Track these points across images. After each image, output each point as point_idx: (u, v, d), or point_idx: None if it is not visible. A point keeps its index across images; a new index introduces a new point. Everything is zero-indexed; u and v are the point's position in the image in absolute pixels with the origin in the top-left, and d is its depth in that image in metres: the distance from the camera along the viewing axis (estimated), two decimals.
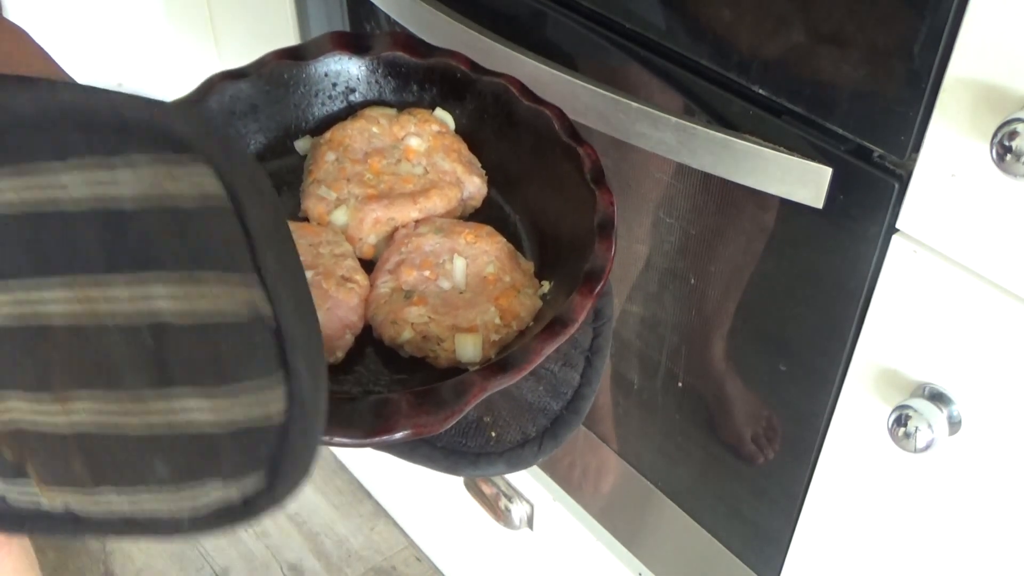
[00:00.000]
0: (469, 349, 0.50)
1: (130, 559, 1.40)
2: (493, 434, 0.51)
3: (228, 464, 0.35)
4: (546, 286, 0.54)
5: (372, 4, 0.83)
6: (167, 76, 1.46)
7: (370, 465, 1.47)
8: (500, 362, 0.46)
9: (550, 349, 0.47)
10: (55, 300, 0.34)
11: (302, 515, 1.47)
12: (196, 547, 1.42)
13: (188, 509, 0.36)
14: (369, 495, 1.50)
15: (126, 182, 0.33)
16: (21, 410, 0.35)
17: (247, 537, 1.44)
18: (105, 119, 0.33)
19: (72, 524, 0.37)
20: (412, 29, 0.79)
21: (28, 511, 0.37)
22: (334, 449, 1.54)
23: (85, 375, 0.35)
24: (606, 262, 0.50)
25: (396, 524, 1.46)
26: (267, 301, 0.34)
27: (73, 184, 0.34)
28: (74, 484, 0.36)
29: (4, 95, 0.33)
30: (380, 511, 1.48)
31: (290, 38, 1.11)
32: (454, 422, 0.45)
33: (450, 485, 1.21)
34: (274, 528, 1.45)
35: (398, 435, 0.44)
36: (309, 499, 1.49)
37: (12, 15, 1.23)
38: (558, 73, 0.68)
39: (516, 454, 0.50)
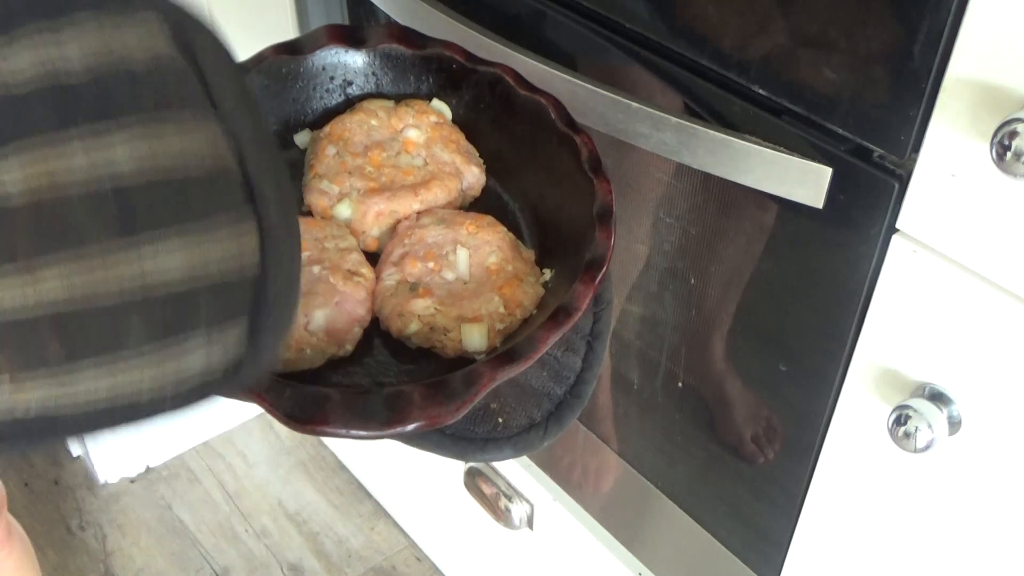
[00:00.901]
0: (475, 339, 0.51)
1: (130, 559, 1.40)
2: (500, 420, 0.51)
3: (208, 316, 0.34)
4: (547, 274, 0.55)
5: (372, 4, 0.83)
6: None
7: (370, 465, 1.47)
8: (507, 352, 0.47)
9: (555, 338, 0.48)
10: (11, 175, 0.32)
11: (302, 515, 1.47)
12: (196, 547, 1.42)
13: (171, 381, 0.34)
14: (369, 495, 1.50)
15: (72, 43, 0.32)
16: None
17: (247, 537, 1.44)
18: None
19: (48, 427, 0.34)
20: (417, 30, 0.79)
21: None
22: (335, 448, 1.54)
23: (51, 242, 0.33)
24: (607, 250, 0.51)
25: (396, 524, 1.46)
26: (227, 144, 0.33)
27: (16, 55, 0.32)
28: (48, 365, 0.34)
29: None
30: (380, 511, 1.48)
31: (290, 37, 1.11)
32: (465, 412, 0.46)
33: (450, 485, 1.21)
34: (274, 528, 1.45)
35: (411, 427, 0.45)
36: (309, 499, 1.49)
37: None
38: (558, 73, 0.68)
39: (523, 439, 0.52)
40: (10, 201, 0.32)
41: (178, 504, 1.48)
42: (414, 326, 0.51)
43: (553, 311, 0.49)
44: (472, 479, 1.15)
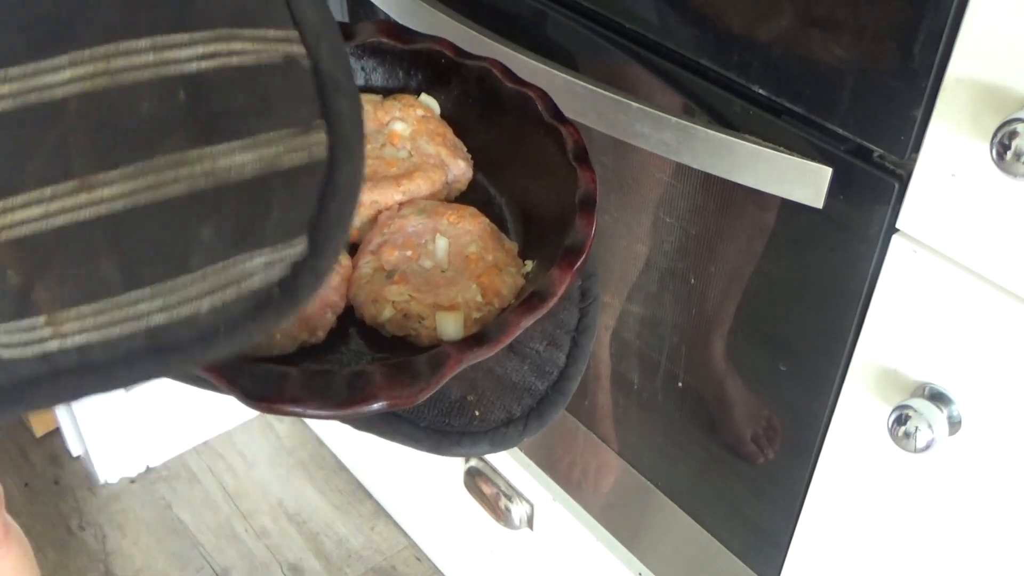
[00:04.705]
0: (450, 327, 0.50)
1: (130, 559, 1.40)
2: (477, 413, 0.50)
3: (277, 213, 0.32)
4: (529, 265, 0.54)
5: (372, 4, 0.83)
6: None
7: (370, 465, 1.47)
8: (477, 335, 0.46)
9: (528, 322, 0.47)
10: (62, 79, 0.29)
11: (302, 515, 1.47)
12: (196, 547, 1.42)
13: (232, 298, 0.31)
14: (369, 495, 1.50)
15: None
16: (32, 212, 0.29)
17: (247, 537, 1.44)
18: None
19: (82, 378, 0.31)
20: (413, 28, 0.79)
21: (28, 374, 0.30)
22: (335, 448, 1.54)
23: (113, 149, 0.30)
24: (587, 237, 0.50)
25: (396, 524, 1.46)
26: (305, 51, 0.32)
27: None
28: (97, 295, 0.30)
29: None
30: (380, 511, 1.48)
31: None
32: (429, 394, 0.44)
33: (450, 485, 1.21)
34: (274, 528, 1.45)
35: (374, 406, 0.43)
36: (309, 499, 1.49)
37: None
38: (559, 73, 0.68)
39: (500, 433, 0.50)
40: (63, 107, 0.29)
41: (178, 504, 1.47)
42: (388, 312, 0.51)
43: (527, 296, 0.48)
44: (472, 479, 1.15)
